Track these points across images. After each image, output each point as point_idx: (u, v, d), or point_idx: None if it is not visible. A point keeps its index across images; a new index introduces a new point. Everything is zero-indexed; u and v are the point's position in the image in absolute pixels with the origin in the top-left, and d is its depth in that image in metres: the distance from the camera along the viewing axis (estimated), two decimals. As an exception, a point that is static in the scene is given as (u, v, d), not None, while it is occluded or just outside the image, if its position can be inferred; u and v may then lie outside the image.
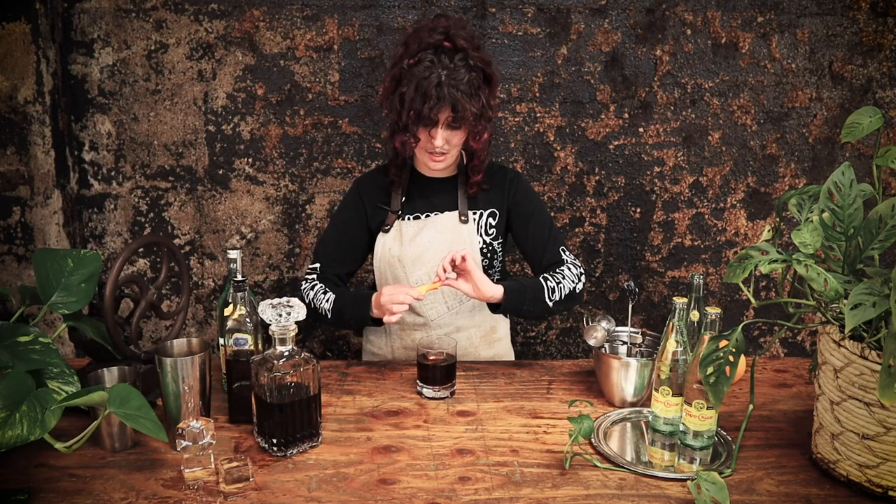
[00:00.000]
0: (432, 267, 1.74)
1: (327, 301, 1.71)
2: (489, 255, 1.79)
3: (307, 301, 1.74)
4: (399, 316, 1.58)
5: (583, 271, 1.78)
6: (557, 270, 1.74)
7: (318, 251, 1.83)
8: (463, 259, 1.57)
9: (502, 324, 1.90)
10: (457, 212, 1.77)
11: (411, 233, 1.76)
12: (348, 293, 1.73)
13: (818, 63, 2.43)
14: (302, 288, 1.78)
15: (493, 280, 1.75)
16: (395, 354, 1.84)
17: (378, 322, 1.67)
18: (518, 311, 1.69)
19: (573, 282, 1.73)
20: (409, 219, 1.78)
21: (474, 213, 1.78)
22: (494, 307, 1.70)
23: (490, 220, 1.79)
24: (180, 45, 2.34)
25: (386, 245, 1.77)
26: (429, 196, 1.79)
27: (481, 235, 1.78)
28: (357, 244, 1.82)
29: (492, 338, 1.86)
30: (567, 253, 1.79)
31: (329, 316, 1.71)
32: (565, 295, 1.70)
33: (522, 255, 1.89)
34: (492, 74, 1.66)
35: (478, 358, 1.85)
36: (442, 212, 1.78)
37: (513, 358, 1.96)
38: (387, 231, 1.77)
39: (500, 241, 1.81)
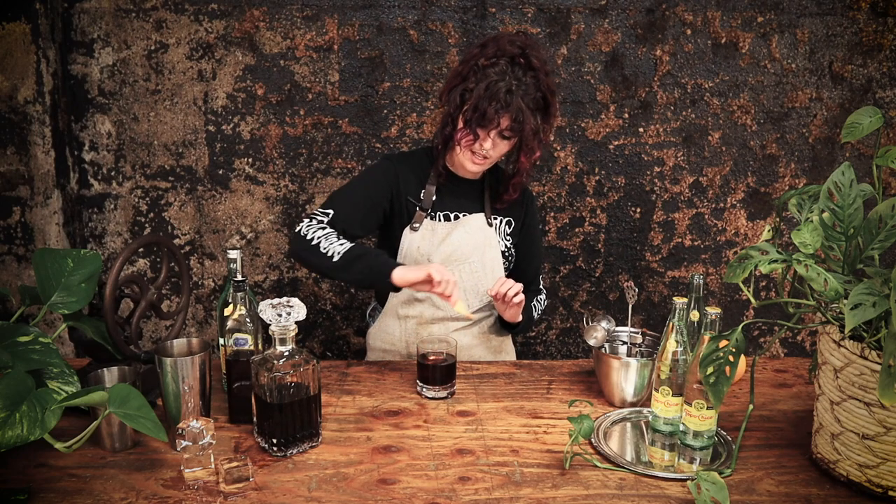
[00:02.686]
0: (458, 265, 1.78)
1: (341, 245, 1.63)
2: (509, 258, 1.85)
3: (309, 237, 1.65)
4: (452, 299, 1.56)
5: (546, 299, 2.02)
6: (538, 299, 1.95)
7: (335, 200, 1.74)
8: (515, 294, 1.65)
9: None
10: (483, 214, 1.81)
11: (443, 233, 1.77)
12: (369, 247, 1.67)
13: (818, 63, 2.43)
14: (305, 223, 1.69)
15: None
16: (410, 349, 1.83)
17: (393, 287, 1.61)
18: (513, 331, 1.91)
19: (539, 313, 1.95)
20: (439, 218, 1.79)
21: (495, 219, 1.84)
22: (505, 325, 1.87)
23: (506, 227, 1.85)
24: (180, 45, 2.34)
25: (414, 243, 1.76)
26: (458, 196, 1.81)
27: (502, 239, 1.83)
28: (375, 219, 1.78)
29: (501, 330, 1.90)
30: (541, 281, 2.02)
31: (335, 259, 1.61)
32: (533, 320, 1.92)
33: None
34: (550, 104, 1.68)
35: (488, 348, 1.88)
36: (470, 213, 1.81)
37: (514, 353, 1.99)
38: (415, 229, 1.77)
39: (515, 247, 1.87)
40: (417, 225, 1.77)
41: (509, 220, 1.85)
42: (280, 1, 2.32)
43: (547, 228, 2.52)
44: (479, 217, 1.80)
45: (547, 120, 1.70)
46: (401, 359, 1.85)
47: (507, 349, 1.95)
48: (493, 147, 1.67)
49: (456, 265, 1.77)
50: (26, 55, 2.22)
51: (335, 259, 1.61)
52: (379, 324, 1.88)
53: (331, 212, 1.71)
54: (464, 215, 1.80)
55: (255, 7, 2.32)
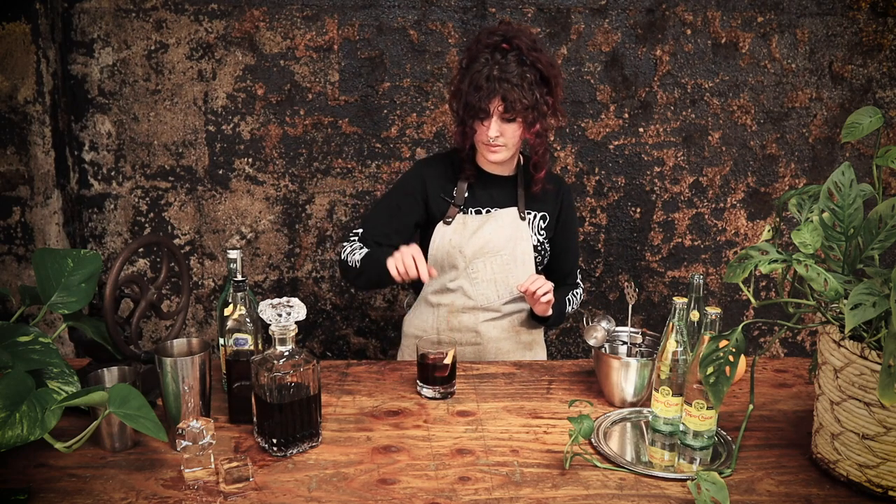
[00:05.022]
0: (489, 257, 1.81)
1: (360, 253, 1.77)
2: (542, 252, 1.87)
3: (343, 257, 1.82)
4: (399, 278, 1.62)
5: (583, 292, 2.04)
6: (574, 293, 1.94)
7: (366, 218, 1.88)
8: (545, 294, 1.68)
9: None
10: (516, 208, 1.84)
11: (474, 226, 1.81)
12: (380, 248, 1.77)
13: (818, 63, 2.43)
14: (342, 246, 1.85)
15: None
16: (440, 336, 1.87)
17: (391, 280, 1.68)
18: (545, 325, 1.92)
19: (575, 307, 1.96)
20: (471, 212, 1.83)
21: (529, 213, 1.85)
22: (536, 318, 1.87)
23: (541, 222, 1.86)
24: (180, 45, 2.34)
25: (446, 236, 1.82)
26: (490, 191, 1.85)
27: (535, 233, 1.85)
28: (407, 224, 1.85)
29: (532, 325, 1.91)
30: (580, 275, 2.02)
31: (357, 266, 1.75)
32: (565, 314, 1.92)
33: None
34: (548, 77, 1.71)
35: (518, 343, 1.89)
36: (502, 207, 1.84)
37: (545, 352, 1.99)
38: (448, 223, 1.82)
39: (548, 241, 1.89)
40: (450, 219, 1.82)
41: (543, 215, 1.87)
42: (280, 1, 2.32)
43: (547, 228, 2.53)
44: (512, 211, 1.83)
45: (549, 93, 1.72)
46: None
47: (538, 345, 1.95)
48: (499, 133, 1.70)
49: (488, 257, 1.81)
50: (26, 55, 2.22)
51: (357, 267, 1.76)
52: (414, 311, 1.94)
53: (360, 230, 1.85)
54: (496, 210, 1.83)
55: (255, 7, 2.32)
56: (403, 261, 1.62)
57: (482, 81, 1.64)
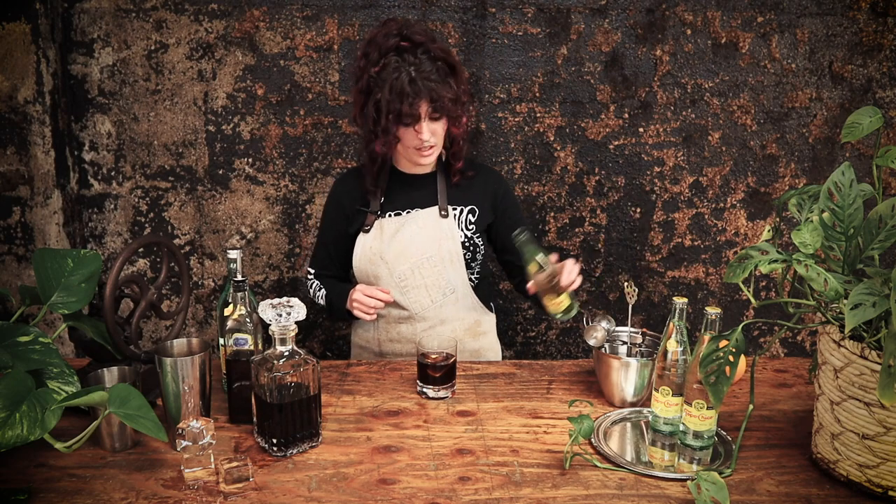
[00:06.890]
0: (415, 262, 1.77)
1: (322, 298, 1.87)
2: (471, 248, 1.82)
3: (311, 297, 1.92)
4: (373, 317, 1.72)
5: None
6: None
7: (311, 257, 1.96)
8: (576, 273, 1.59)
9: (487, 318, 1.92)
10: (437, 207, 1.79)
11: (392, 229, 1.78)
12: (336, 287, 1.85)
13: (818, 63, 2.43)
14: (307, 283, 1.94)
15: (474, 274, 1.85)
16: (381, 347, 1.86)
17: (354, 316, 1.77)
18: None
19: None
20: (389, 216, 1.80)
21: (454, 209, 1.80)
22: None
23: (469, 216, 1.82)
24: (180, 45, 2.34)
25: (367, 244, 1.80)
26: (409, 193, 1.81)
27: (462, 230, 1.80)
28: (345, 246, 1.86)
29: (476, 331, 1.88)
30: None
31: (328, 308, 1.86)
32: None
33: (503, 255, 1.90)
34: (454, 63, 1.70)
35: (462, 351, 1.87)
36: (422, 207, 1.80)
37: (499, 353, 1.97)
38: (367, 231, 1.80)
39: (480, 236, 1.83)
40: (368, 227, 1.80)
41: (472, 209, 1.81)
42: (280, 1, 2.32)
43: (547, 228, 2.52)
44: (431, 211, 1.79)
45: (459, 82, 1.70)
46: (374, 356, 1.89)
47: (489, 352, 1.91)
48: (431, 134, 1.68)
49: (414, 263, 1.77)
50: (26, 55, 2.22)
51: (329, 310, 1.86)
52: (357, 322, 1.93)
53: (312, 270, 1.93)
54: (415, 210, 1.80)
55: (255, 7, 2.32)
56: (365, 304, 1.70)
57: (405, 87, 1.60)
